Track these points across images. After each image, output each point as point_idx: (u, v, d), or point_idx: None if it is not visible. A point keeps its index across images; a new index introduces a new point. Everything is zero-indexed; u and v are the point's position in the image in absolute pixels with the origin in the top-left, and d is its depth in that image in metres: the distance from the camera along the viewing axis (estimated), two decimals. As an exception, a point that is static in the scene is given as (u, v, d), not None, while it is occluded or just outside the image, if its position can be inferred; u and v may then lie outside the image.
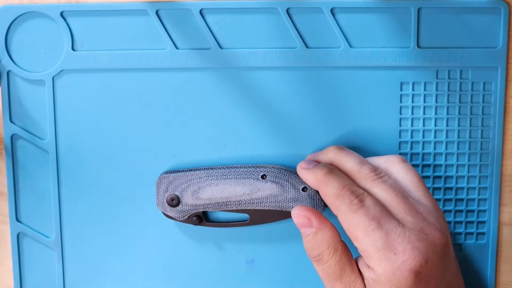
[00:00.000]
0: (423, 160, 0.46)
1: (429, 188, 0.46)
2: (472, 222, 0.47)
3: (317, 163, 0.44)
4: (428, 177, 0.46)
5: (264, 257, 0.47)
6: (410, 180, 0.42)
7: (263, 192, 0.45)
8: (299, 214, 0.42)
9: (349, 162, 0.43)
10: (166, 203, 0.45)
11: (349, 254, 0.41)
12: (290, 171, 0.45)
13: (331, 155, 0.44)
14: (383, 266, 0.38)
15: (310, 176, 0.43)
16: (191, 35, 0.45)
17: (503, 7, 0.45)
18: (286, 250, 0.47)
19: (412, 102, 0.46)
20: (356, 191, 0.40)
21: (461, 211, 0.47)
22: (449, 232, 0.41)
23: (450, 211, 0.47)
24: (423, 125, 0.46)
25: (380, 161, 0.43)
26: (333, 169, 0.42)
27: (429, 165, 0.46)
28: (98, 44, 0.45)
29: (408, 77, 0.46)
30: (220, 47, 0.45)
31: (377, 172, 0.42)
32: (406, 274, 0.38)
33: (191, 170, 0.45)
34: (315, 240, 0.41)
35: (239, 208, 0.45)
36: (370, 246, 0.39)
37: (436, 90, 0.46)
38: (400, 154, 0.46)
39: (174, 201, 0.45)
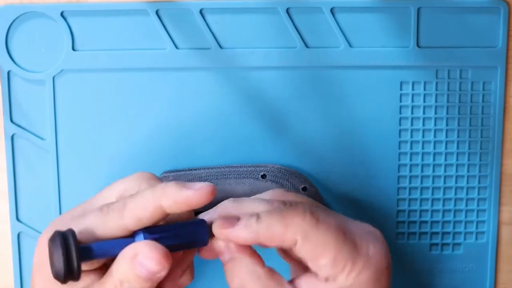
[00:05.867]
0: (423, 159, 0.46)
1: (428, 187, 0.47)
2: (472, 221, 0.47)
3: (235, 217, 0.37)
4: (428, 176, 0.47)
5: (264, 257, 0.47)
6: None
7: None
8: (217, 248, 0.38)
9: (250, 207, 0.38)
10: None
11: (277, 279, 0.37)
12: (290, 171, 0.45)
13: (226, 206, 0.39)
14: (363, 274, 0.36)
15: (243, 234, 0.36)
16: (191, 35, 0.45)
17: (503, 7, 0.45)
18: (286, 250, 0.47)
19: (412, 101, 0.46)
20: (308, 208, 0.36)
21: (461, 210, 0.47)
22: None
23: (450, 210, 0.47)
24: (423, 125, 0.46)
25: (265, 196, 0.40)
26: (260, 212, 0.37)
27: (429, 165, 0.46)
28: (99, 44, 0.45)
29: (407, 76, 0.46)
30: (220, 47, 0.45)
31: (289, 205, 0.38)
32: (385, 272, 0.36)
33: (191, 169, 0.45)
34: (234, 268, 0.37)
35: None
36: (344, 260, 0.36)
37: (436, 89, 0.46)
38: (400, 153, 0.46)
39: None
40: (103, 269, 0.36)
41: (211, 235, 0.37)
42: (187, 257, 0.38)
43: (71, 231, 0.34)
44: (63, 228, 0.34)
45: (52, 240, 0.34)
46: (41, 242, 0.36)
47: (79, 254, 0.34)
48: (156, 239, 0.35)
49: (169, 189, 0.35)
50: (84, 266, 0.35)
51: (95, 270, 0.36)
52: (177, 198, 0.35)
